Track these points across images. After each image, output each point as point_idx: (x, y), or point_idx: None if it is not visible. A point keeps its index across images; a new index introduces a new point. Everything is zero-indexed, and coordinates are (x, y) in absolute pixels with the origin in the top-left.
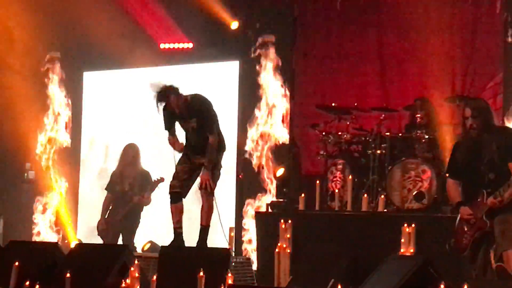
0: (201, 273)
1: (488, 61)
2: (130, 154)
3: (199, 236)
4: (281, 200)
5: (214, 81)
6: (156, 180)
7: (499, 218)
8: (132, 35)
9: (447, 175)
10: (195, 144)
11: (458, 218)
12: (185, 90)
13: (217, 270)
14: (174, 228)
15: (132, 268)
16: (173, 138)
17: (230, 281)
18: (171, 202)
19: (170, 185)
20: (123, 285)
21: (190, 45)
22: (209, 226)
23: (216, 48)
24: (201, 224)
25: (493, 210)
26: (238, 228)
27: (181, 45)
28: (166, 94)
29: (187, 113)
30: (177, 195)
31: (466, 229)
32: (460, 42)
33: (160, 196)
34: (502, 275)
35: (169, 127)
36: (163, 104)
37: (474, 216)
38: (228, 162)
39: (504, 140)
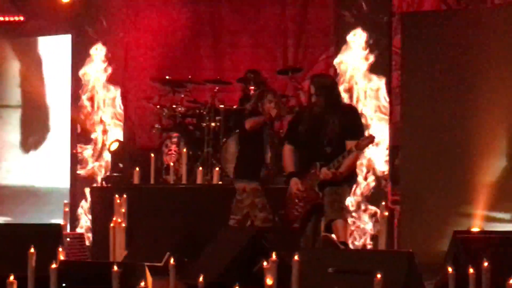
0: (32, 250)
1: (320, 34)
2: None
3: None
4: (116, 174)
5: (46, 55)
6: None
7: (329, 189)
8: None
9: (286, 141)
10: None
11: (288, 189)
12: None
13: (49, 246)
14: None
15: None
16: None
17: (62, 257)
18: None
19: None
20: None
21: (21, 18)
22: None
23: (48, 21)
24: None
25: (327, 182)
26: (74, 203)
27: (11, 18)
28: None
29: None
30: None
31: (297, 200)
32: (292, 15)
33: None
34: (328, 244)
35: None
36: None
37: (303, 190)
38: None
39: (347, 119)
